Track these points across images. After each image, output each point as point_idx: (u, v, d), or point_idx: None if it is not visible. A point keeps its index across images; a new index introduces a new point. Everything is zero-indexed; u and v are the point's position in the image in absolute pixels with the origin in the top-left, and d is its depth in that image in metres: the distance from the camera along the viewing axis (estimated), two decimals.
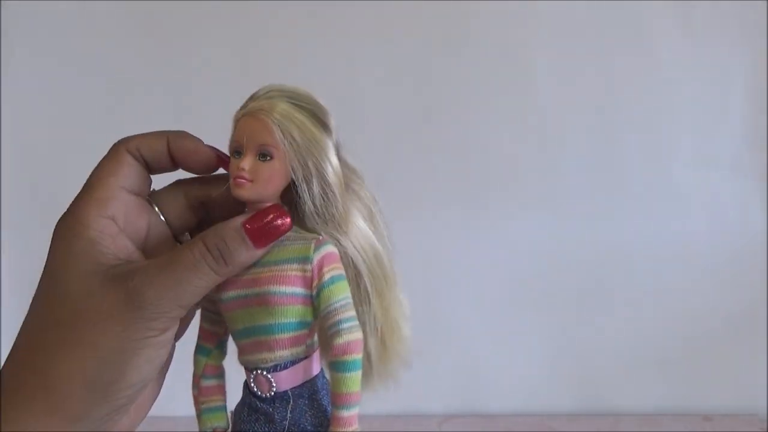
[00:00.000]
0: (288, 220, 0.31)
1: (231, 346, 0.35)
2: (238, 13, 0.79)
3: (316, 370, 0.33)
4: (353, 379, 0.31)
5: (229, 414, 0.35)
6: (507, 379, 0.83)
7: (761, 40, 0.79)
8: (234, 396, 0.35)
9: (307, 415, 0.32)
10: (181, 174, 0.35)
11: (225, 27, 0.80)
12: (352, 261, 0.33)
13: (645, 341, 0.82)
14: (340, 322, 0.31)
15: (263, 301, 0.31)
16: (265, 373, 0.32)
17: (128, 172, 0.32)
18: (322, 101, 0.32)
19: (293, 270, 0.32)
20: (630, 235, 0.81)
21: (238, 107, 0.32)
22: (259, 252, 0.31)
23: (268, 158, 0.31)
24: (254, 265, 0.32)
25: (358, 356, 0.31)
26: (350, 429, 0.31)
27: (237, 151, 0.31)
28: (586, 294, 0.82)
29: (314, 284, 0.32)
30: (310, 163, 0.31)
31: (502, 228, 0.81)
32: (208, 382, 0.35)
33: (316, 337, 0.34)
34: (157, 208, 0.34)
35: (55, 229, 0.31)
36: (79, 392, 0.29)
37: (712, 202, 0.81)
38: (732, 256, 0.81)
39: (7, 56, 0.80)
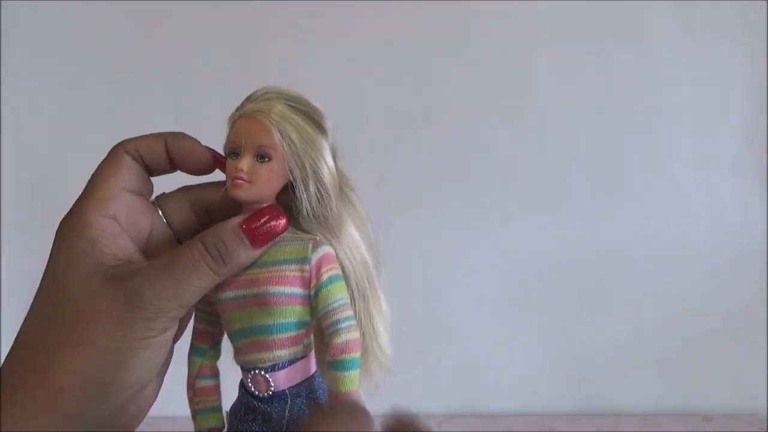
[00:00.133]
0: (284, 220, 0.32)
1: (225, 346, 0.35)
2: (238, 13, 0.79)
3: (312, 369, 0.34)
4: (351, 377, 0.31)
5: (225, 414, 0.35)
6: (507, 379, 0.83)
7: (761, 40, 0.79)
8: (229, 396, 0.35)
9: (305, 414, 0.32)
10: (187, 179, 0.35)
11: (225, 27, 0.80)
12: (341, 264, 0.33)
13: (645, 341, 0.82)
14: (338, 321, 0.31)
15: (262, 302, 0.32)
16: (263, 372, 0.32)
17: (128, 173, 0.32)
18: (318, 104, 0.32)
19: (291, 270, 0.32)
20: (630, 235, 0.81)
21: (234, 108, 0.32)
22: (257, 252, 0.31)
23: (266, 159, 0.31)
24: (252, 265, 0.32)
25: (356, 355, 0.31)
26: None
27: (234, 152, 0.31)
28: (586, 294, 0.82)
29: (312, 284, 0.32)
30: (306, 164, 0.31)
31: (502, 228, 0.81)
32: (204, 383, 0.35)
33: (312, 337, 0.34)
34: (160, 211, 0.34)
35: (57, 229, 0.31)
36: (79, 392, 0.29)
37: (712, 202, 0.81)
38: (732, 256, 0.81)
39: (7, 56, 0.80)
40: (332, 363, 0.31)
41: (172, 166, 0.34)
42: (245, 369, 0.33)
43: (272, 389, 0.32)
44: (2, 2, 0.80)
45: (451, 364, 0.82)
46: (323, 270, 0.32)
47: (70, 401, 0.29)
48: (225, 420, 0.35)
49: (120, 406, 0.30)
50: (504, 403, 0.83)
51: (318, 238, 0.33)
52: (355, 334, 0.32)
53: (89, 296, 0.29)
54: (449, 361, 0.82)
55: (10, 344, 0.31)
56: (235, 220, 0.31)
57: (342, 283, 0.32)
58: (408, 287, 0.77)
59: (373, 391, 0.36)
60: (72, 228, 0.31)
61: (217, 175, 0.35)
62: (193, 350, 0.36)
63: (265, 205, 0.32)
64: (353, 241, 0.34)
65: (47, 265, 0.31)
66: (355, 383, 0.31)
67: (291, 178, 0.32)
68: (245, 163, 0.31)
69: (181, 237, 0.35)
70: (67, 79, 0.81)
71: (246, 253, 0.31)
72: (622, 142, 0.80)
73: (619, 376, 0.83)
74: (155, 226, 0.34)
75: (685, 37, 0.79)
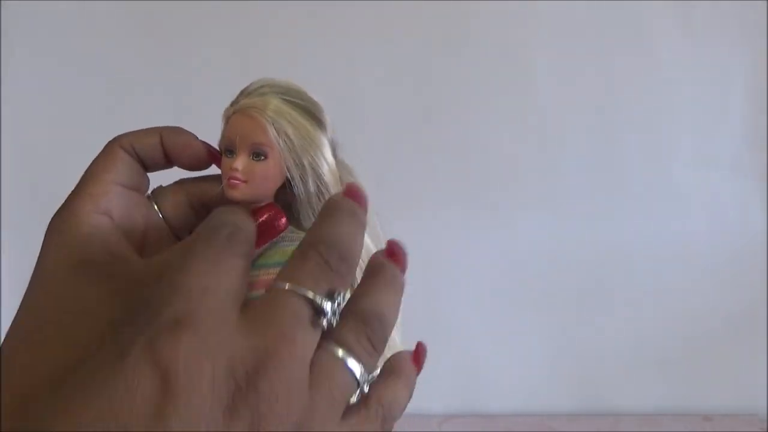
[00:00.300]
0: (284, 219, 0.31)
1: None
2: (238, 13, 0.79)
3: None
4: None
5: None
6: (507, 379, 0.83)
7: (761, 40, 0.79)
8: None
9: None
10: (186, 174, 0.35)
11: (225, 27, 0.80)
12: None
13: (645, 341, 0.83)
14: None
15: None
16: None
17: (122, 167, 0.32)
18: (316, 97, 0.31)
19: None
20: (630, 235, 0.81)
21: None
22: (256, 252, 0.30)
23: (262, 158, 0.30)
24: (251, 267, 0.31)
25: None
26: None
27: (229, 150, 0.30)
28: (586, 294, 0.82)
29: None
30: (305, 161, 0.30)
31: (503, 228, 0.81)
32: None
33: None
34: (156, 206, 0.33)
35: (49, 224, 0.30)
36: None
37: (712, 202, 0.81)
38: (732, 256, 0.81)
39: (7, 56, 0.80)
40: None
41: (167, 161, 0.33)
42: None
43: None
44: (2, 2, 0.80)
45: (451, 364, 0.82)
46: None
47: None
48: None
49: None
50: (504, 403, 0.83)
51: None
52: None
53: (75, 293, 0.28)
54: (449, 361, 0.82)
55: None
56: None
57: None
58: (408, 287, 0.77)
59: None
60: (64, 221, 0.30)
61: (215, 168, 0.34)
62: None
63: (263, 203, 0.31)
64: None
65: (38, 259, 0.30)
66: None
67: (289, 176, 0.31)
68: (240, 162, 0.30)
69: (178, 232, 0.34)
70: (67, 79, 0.81)
71: None
72: (622, 142, 0.80)
73: (619, 376, 0.83)
74: (151, 222, 0.33)
75: (685, 37, 0.79)
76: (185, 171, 0.34)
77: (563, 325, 0.82)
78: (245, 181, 0.30)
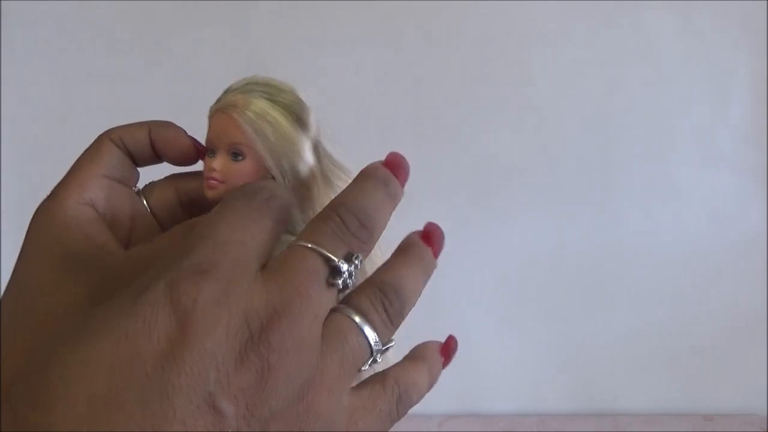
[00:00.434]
0: None
1: None
2: (238, 13, 0.79)
3: None
4: None
5: None
6: (507, 379, 0.83)
7: (761, 40, 0.79)
8: None
9: None
10: (176, 170, 0.34)
11: (225, 27, 0.80)
12: None
13: (645, 341, 0.82)
14: None
15: None
16: None
17: (111, 160, 0.31)
18: (305, 96, 0.31)
19: None
20: (630, 235, 0.81)
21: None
22: None
23: (240, 158, 0.29)
24: None
25: None
26: None
27: (210, 149, 0.30)
28: (586, 294, 0.82)
29: None
30: (284, 163, 0.30)
31: (502, 228, 0.81)
32: None
33: None
34: (144, 200, 0.33)
35: (34, 212, 0.30)
36: None
37: (712, 201, 0.81)
38: (732, 255, 0.81)
39: (7, 56, 0.80)
40: None
41: (156, 155, 0.33)
42: None
43: None
44: (2, 2, 0.80)
45: (451, 364, 0.82)
46: None
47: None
48: None
49: None
50: (504, 403, 0.83)
51: None
52: None
53: (53, 283, 0.27)
54: None
55: None
56: None
57: None
58: None
59: None
60: (47, 210, 0.30)
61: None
62: None
63: None
64: None
65: (20, 250, 0.30)
66: None
67: (270, 177, 0.30)
68: (218, 162, 0.29)
69: (166, 227, 0.33)
70: (67, 79, 0.81)
71: None
72: (622, 141, 0.80)
73: (619, 376, 0.83)
74: (139, 216, 0.32)
75: (685, 37, 0.79)
76: (178, 167, 0.34)
77: (563, 325, 0.82)
78: (223, 182, 0.29)
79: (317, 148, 0.31)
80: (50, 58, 0.81)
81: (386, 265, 0.27)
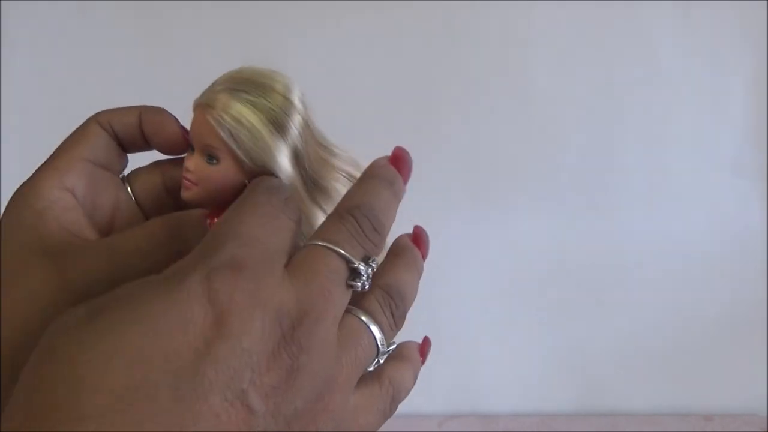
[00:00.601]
0: None
1: None
2: (238, 13, 0.79)
3: None
4: None
5: None
6: (507, 379, 0.83)
7: (761, 40, 0.79)
8: None
9: None
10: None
11: (226, 27, 0.80)
12: None
13: (645, 341, 0.82)
14: None
15: None
16: None
17: (96, 143, 0.30)
18: (297, 95, 0.29)
19: None
20: (630, 235, 0.81)
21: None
22: None
23: (215, 161, 0.28)
24: None
25: None
26: None
27: (191, 145, 0.29)
28: (586, 293, 0.82)
29: None
30: (263, 169, 0.28)
31: (502, 228, 0.81)
32: None
33: None
34: (129, 187, 0.32)
35: (11, 196, 0.29)
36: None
37: (712, 202, 0.81)
38: (732, 256, 0.81)
39: (7, 56, 0.80)
40: None
41: (145, 141, 0.32)
42: None
43: None
44: (2, 2, 0.80)
45: (451, 364, 0.82)
46: None
47: None
48: None
49: None
50: (504, 403, 0.83)
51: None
52: None
53: (21, 271, 0.27)
54: (449, 361, 0.82)
55: None
56: (202, 211, 0.28)
57: None
58: None
59: None
60: (23, 196, 0.29)
61: None
62: None
63: (220, 208, 0.28)
64: None
65: None
66: None
67: (246, 182, 0.28)
68: (193, 163, 0.28)
69: (150, 215, 0.32)
70: (67, 79, 0.81)
71: None
72: (622, 141, 0.80)
73: (619, 376, 0.83)
74: (122, 203, 0.31)
75: (685, 37, 0.79)
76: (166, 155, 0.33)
77: (563, 324, 0.82)
78: (196, 184, 0.28)
79: (298, 155, 0.29)
80: (50, 58, 0.81)
81: (387, 268, 0.27)
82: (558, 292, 0.82)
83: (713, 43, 0.79)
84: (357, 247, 0.25)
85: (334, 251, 0.24)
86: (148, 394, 0.19)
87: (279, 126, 0.28)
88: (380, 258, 0.29)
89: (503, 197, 0.81)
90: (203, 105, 0.28)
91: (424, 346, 0.29)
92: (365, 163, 0.29)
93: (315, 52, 0.79)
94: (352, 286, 0.24)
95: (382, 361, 0.26)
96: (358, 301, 0.25)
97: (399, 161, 0.28)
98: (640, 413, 0.82)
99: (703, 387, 0.83)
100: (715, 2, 0.78)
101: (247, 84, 0.28)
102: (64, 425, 0.18)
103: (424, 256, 0.29)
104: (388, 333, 0.26)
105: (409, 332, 0.38)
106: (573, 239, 0.81)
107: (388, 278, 0.27)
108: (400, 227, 0.37)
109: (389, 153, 0.30)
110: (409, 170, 0.29)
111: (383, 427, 0.26)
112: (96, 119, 0.31)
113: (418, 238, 0.29)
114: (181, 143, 0.31)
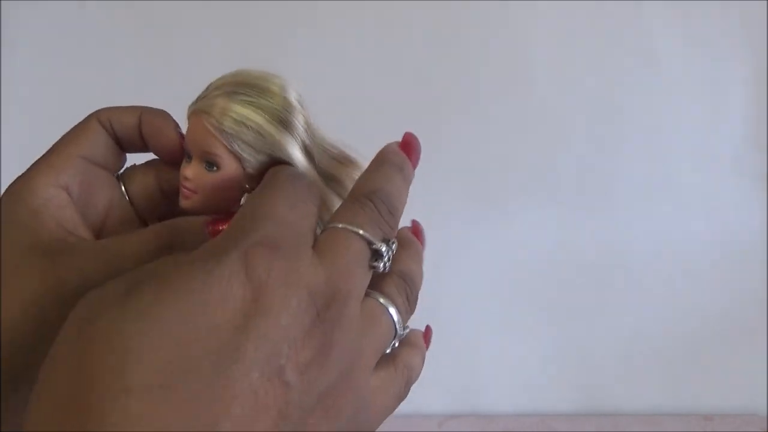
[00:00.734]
0: None
1: None
2: (238, 13, 0.79)
3: None
4: None
5: None
6: (507, 379, 0.83)
7: (761, 40, 0.79)
8: None
9: None
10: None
11: (226, 27, 0.80)
12: None
13: (645, 341, 0.82)
14: None
15: None
16: None
17: (94, 141, 0.30)
18: (293, 95, 0.29)
19: None
20: (630, 235, 0.81)
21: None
22: None
23: (215, 168, 0.27)
24: None
25: None
26: None
27: (188, 153, 0.28)
28: (586, 294, 0.82)
29: None
30: (273, 164, 0.27)
31: (502, 228, 0.81)
32: None
33: None
34: (123, 187, 0.31)
35: (5, 191, 0.29)
36: None
37: (712, 202, 0.81)
38: (732, 256, 0.81)
39: (7, 56, 0.80)
40: None
41: (143, 143, 0.31)
42: None
43: None
44: (2, 2, 0.80)
45: (451, 364, 0.82)
46: None
47: None
48: None
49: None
50: (504, 403, 0.83)
51: None
52: None
53: (15, 270, 0.26)
54: (449, 361, 0.82)
55: None
56: (202, 218, 0.28)
57: None
58: None
59: None
60: (17, 193, 0.29)
61: None
62: None
63: (222, 215, 0.28)
64: None
65: None
66: None
67: (247, 188, 0.28)
68: (192, 171, 0.27)
69: (145, 215, 0.32)
70: (67, 79, 0.81)
71: None
72: (622, 141, 0.80)
73: (619, 376, 0.83)
74: (115, 202, 0.31)
75: (685, 37, 0.79)
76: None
77: (563, 324, 0.82)
78: (195, 192, 0.27)
79: (308, 149, 0.29)
80: (50, 58, 0.81)
81: (397, 257, 0.28)
82: (558, 292, 0.82)
83: (713, 43, 0.79)
84: (377, 229, 0.25)
85: (356, 233, 0.24)
86: (192, 370, 0.19)
87: (285, 123, 0.28)
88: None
89: (503, 197, 0.81)
90: (199, 112, 0.27)
91: (427, 334, 0.30)
92: (366, 162, 0.30)
93: (315, 52, 0.79)
94: (374, 267, 0.25)
95: (397, 345, 0.26)
96: (375, 284, 0.26)
97: (408, 147, 0.29)
98: (641, 413, 0.82)
99: (703, 387, 0.82)
100: (715, 2, 0.78)
101: (243, 87, 0.28)
102: (110, 398, 0.18)
103: (422, 249, 0.30)
104: (404, 317, 0.26)
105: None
106: (573, 239, 0.81)
107: (400, 266, 0.27)
108: (400, 226, 0.37)
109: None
110: (418, 156, 0.30)
111: (383, 427, 0.26)
112: (96, 116, 0.31)
113: (417, 231, 0.30)
114: (177, 151, 0.30)
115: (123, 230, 0.30)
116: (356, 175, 0.30)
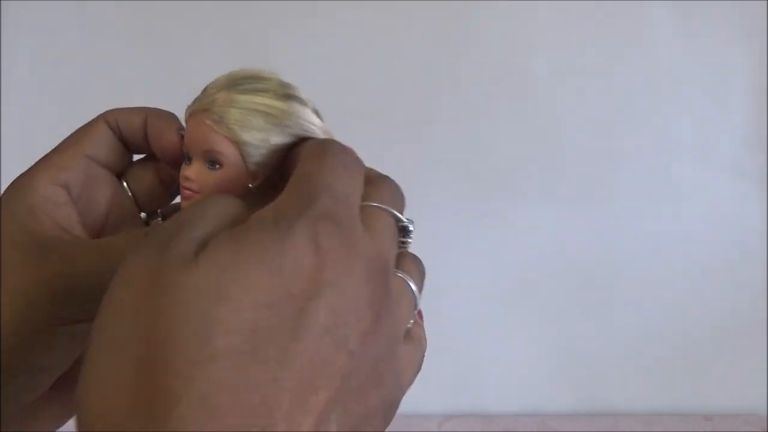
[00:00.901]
0: None
1: None
2: (238, 13, 0.79)
3: None
4: None
5: None
6: (507, 379, 0.83)
7: (761, 40, 0.79)
8: None
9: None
10: None
11: (226, 27, 0.80)
12: None
13: (645, 341, 0.82)
14: None
15: None
16: None
17: (100, 141, 0.30)
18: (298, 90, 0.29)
19: None
20: (630, 235, 0.81)
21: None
22: None
23: (218, 166, 0.27)
24: None
25: None
26: None
27: (188, 155, 0.28)
28: (586, 294, 0.82)
29: None
30: (293, 135, 0.27)
31: (502, 228, 0.81)
32: None
33: None
34: (125, 183, 0.31)
35: (6, 187, 0.29)
36: None
37: (712, 202, 0.81)
38: (732, 256, 0.81)
39: (7, 56, 0.80)
40: None
41: (148, 144, 0.31)
42: None
43: None
44: (2, 2, 0.80)
45: (451, 364, 0.82)
46: None
47: None
48: None
49: (18, 393, 0.28)
50: (504, 403, 0.83)
51: None
52: None
53: (8, 265, 0.27)
54: (449, 361, 0.82)
55: None
56: None
57: None
58: None
59: None
60: (17, 190, 0.29)
61: None
62: None
63: None
64: None
65: None
66: None
67: (251, 185, 0.27)
68: (193, 171, 0.27)
69: (148, 211, 0.32)
70: (67, 79, 0.81)
71: None
72: (622, 141, 0.80)
73: (619, 376, 0.83)
74: (117, 202, 0.31)
75: (685, 37, 0.79)
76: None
77: (563, 324, 0.82)
78: (198, 192, 0.27)
79: (319, 114, 0.29)
80: (50, 58, 0.81)
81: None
82: (558, 292, 0.82)
83: (713, 43, 0.79)
84: (400, 207, 0.26)
85: (386, 210, 0.25)
86: (270, 336, 0.19)
87: (290, 96, 0.28)
88: None
89: (504, 197, 0.81)
90: (198, 111, 0.27)
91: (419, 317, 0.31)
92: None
93: (315, 52, 0.79)
94: (403, 243, 0.26)
95: (412, 322, 0.27)
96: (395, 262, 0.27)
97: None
98: (640, 413, 0.82)
99: (703, 387, 0.83)
100: (715, 2, 0.78)
101: (240, 80, 0.28)
102: (196, 363, 0.18)
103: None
104: (419, 294, 0.27)
105: None
106: (573, 239, 0.81)
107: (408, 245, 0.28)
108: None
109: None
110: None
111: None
112: (104, 117, 0.31)
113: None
114: (176, 154, 0.30)
115: (126, 227, 0.31)
116: None
